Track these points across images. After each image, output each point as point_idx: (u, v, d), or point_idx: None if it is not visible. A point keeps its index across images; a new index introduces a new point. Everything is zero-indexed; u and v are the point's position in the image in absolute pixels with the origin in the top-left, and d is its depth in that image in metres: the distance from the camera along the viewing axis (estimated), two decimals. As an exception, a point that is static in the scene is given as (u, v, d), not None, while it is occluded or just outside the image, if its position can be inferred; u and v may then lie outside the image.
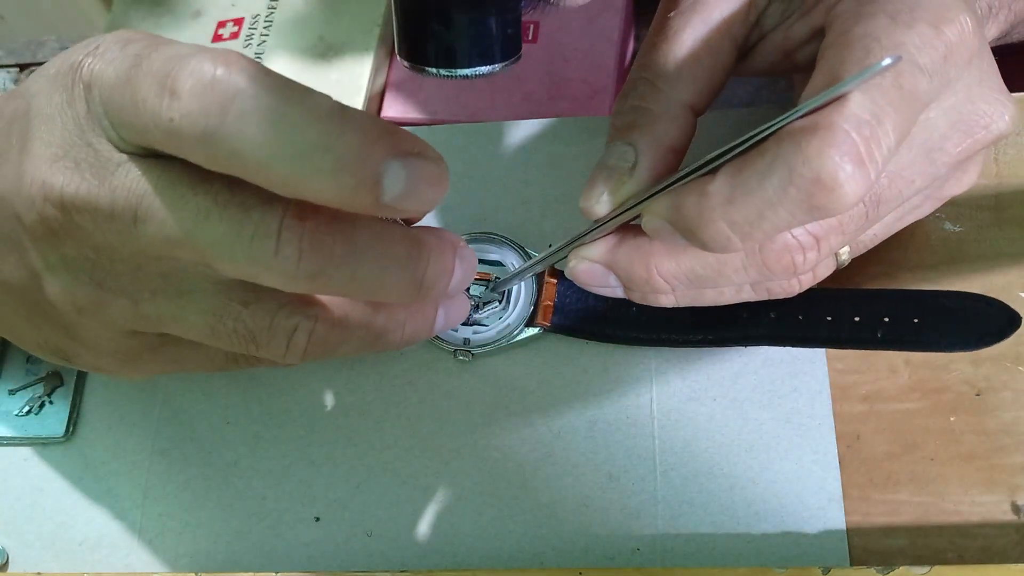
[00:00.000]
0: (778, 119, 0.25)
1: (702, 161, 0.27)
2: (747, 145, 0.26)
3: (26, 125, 0.28)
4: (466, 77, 0.30)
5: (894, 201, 0.29)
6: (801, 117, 0.25)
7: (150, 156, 0.26)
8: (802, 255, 0.29)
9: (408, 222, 0.31)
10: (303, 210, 0.25)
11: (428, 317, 0.32)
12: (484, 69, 0.30)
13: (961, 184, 0.33)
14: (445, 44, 0.29)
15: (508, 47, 0.30)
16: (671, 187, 0.28)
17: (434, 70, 0.30)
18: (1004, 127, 0.30)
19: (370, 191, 0.24)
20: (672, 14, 0.33)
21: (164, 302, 0.30)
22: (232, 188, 0.25)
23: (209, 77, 0.24)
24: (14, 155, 0.29)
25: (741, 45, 0.34)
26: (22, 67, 0.53)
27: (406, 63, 0.30)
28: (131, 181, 0.26)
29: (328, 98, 0.24)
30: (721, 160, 0.27)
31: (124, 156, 0.27)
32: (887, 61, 0.23)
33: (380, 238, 0.27)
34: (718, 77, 0.33)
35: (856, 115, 0.24)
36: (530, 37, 0.49)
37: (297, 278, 0.26)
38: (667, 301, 0.31)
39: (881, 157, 0.25)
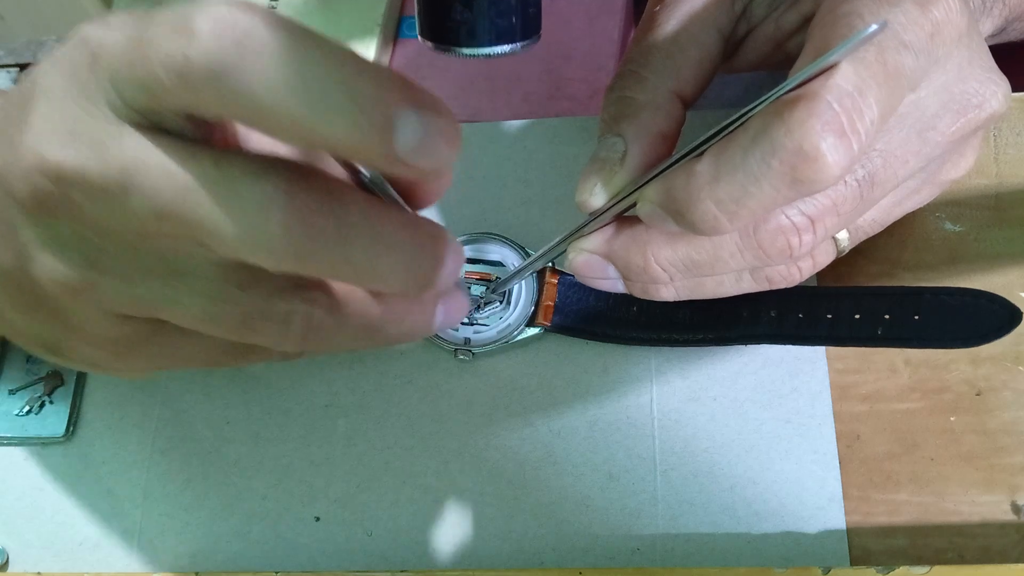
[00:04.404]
0: (766, 96, 0.25)
1: (694, 144, 0.27)
2: (737, 124, 0.26)
3: (29, 102, 0.28)
4: (488, 56, 0.30)
5: (889, 182, 0.29)
6: (788, 92, 0.25)
7: (147, 127, 0.26)
8: (797, 237, 0.28)
9: (411, 202, 0.31)
10: (293, 187, 0.25)
11: (427, 312, 0.31)
12: (505, 48, 0.30)
13: (959, 168, 0.33)
14: (467, 23, 0.29)
15: (528, 26, 0.30)
16: (663, 172, 0.28)
17: (456, 49, 0.30)
18: (997, 105, 0.30)
19: (384, 137, 0.23)
20: (658, 8, 0.33)
21: (159, 283, 0.29)
22: (220, 164, 0.25)
23: (229, 18, 0.23)
24: (12, 131, 0.28)
25: (728, 35, 0.34)
26: (22, 67, 0.53)
27: (428, 43, 0.30)
28: (124, 152, 0.26)
29: (346, 46, 0.24)
30: (712, 142, 0.27)
31: (122, 126, 0.26)
32: (873, 27, 0.23)
33: (374, 221, 0.26)
34: (705, 66, 0.33)
35: (839, 86, 0.25)
36: (530, 37, 0.49)
37: (285, 256, 0.25)
38: (667, 293, 0.31)
39: (864, 129, 0.25)
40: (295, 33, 0.24)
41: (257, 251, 0.26)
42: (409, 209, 0.29)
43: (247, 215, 0.25)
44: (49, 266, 0.29)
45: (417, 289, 0.28)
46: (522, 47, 0.30)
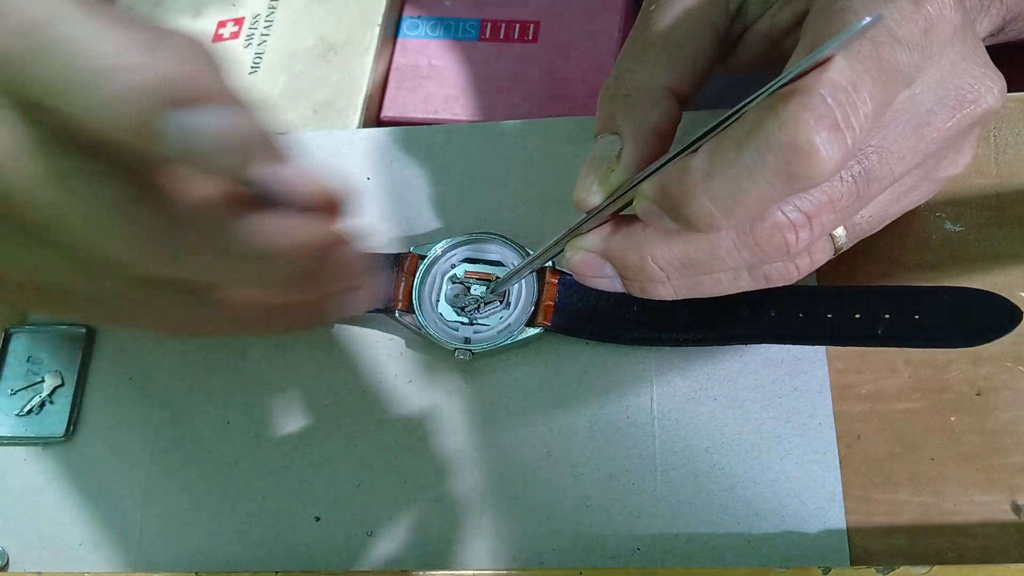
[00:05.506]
0: (761, 91, 0.25)
1: (690, 140, 0.27)
2: (732, 120, 0.26)
3: None
4: None
5: (886, 179, 0.29)
6: (782, 87, 0.25)
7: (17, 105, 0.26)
8: (794, 234, 0.28)
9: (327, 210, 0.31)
10: (140, 194, 0.26)
11: (316, 291, 0.31)
12: None
13: (957, 164, 0.33)
14: None
15: None
16: (659, 169, 0.28)
17: None
18: (993, 101, 0.30)
19: (149, 132, 0.24)
20: (653, 7, 0.33)
21: (37, 254, 0.29)
22: (72, 161, 0.25)
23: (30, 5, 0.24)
24: None
25: (724, 33, 0.34)
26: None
27: None
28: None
29: (140, 35, 0.24)
30: (708, 137, 0.27)
31: None
32: (866, 20, 0.23)
33: (230, 224, 0.27)
34: (701, 64, 0.33)
35: (833, 80, 0.25)
36: (530, 37, 0.49)
37: (133, 260, 0.26)
38: (664, 292, 0.31)
39: (858, 124, 0.25)
40: (92, 19, 0.24)
41: (105, 251, 0.26)
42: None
43: (92, 217, 0.25)
44: None
45: (290, 288, 0.29)
46: None
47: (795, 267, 0.31)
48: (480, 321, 0.37)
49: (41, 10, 0.24)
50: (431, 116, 0.48)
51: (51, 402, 0.38)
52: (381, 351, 0.38)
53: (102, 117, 0.24)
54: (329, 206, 0.31)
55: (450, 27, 0.50)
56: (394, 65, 0.50)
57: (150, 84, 0.24)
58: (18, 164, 0.26)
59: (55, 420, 0.38)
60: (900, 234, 0.36)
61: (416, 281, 0.37)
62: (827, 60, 0.25)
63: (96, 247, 0.26)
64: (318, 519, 0.35)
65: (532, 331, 0.36)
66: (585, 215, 0.31)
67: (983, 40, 0.35)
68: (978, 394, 0.34)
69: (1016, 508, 0.32)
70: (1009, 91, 0.31)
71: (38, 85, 0.24)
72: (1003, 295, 0.32)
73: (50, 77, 0.24)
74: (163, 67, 0.24)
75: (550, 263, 0.37)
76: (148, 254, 0.26)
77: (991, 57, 0.31)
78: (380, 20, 0.49)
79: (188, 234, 0.26)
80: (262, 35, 0.50)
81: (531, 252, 0.38)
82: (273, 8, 0.51)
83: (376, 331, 0.38)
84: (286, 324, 0.33)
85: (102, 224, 0.26)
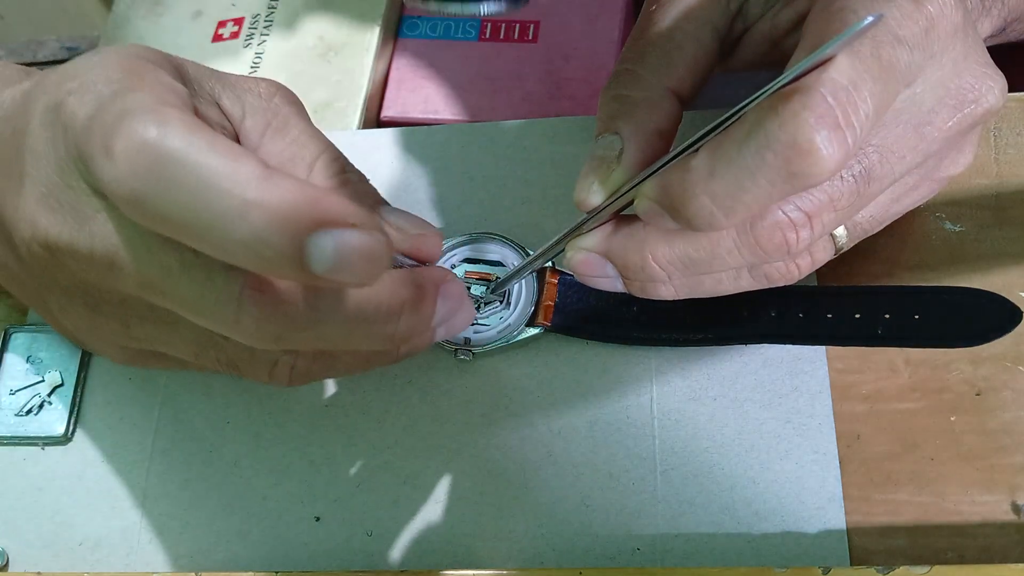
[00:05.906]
0: (762, 90, 0.25)
1: (691, 140, 0.27)
2: (733, 120, 0.26)
3: (22, 157, 0.29)
4: (474, 15, 0.30)
5: (887, 178, 0.29)
6: (783, 87, 0.25)
7: None
8: (794, 233, 0.28)
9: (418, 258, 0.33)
10: (263, 282, 0.26)
11: (424, 337, 0.32)
12: (493, 7, 0.30)
13: (957, 164, 0.33)
14: None
15: None
16: (660, 169, 0.28)
17: (445, 5, 0.30)
18: (994, 101, 0.30)
19: (294, 263, 0.23)
20: (654, 7, 0.34)
21: (152, 328, 0.31)
22: (198, 254, 0.26)
23: (140, 140, 0.24)
24: (14, 189, 0.30)
25: (724, 34, 0.34)
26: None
27: (419, 2, 0.30)
28: (107, 230, 0.27)
29: (257, 165, 0.24)
30: (709, 137, 0.27)
31: (101, 202, 0.27)
32: (868, 20, 0.23)
33: (345, 302, 0.27)
34: (701, 64, 0.33)
35: (833, 80, 0.25)
36: (530, 37, 0.49)
37: (260, 341, 0.27)
38: (665, 291, 0.31)
39: (859, 123, 0.25)
40: (203, 156, 0.24)
41: (235, 335, 0.27)
42: (414, 264, 0.32)
43: (222, 306, 0.26)
44: (56, 306, 0.33)
45: (402, 346, 0.30)
46: (508, 7, 0.30)
47: (796, 267, 0.31)
48: (480, 321, 0.37)
49: (160, 141, 0.24)
50: (431, 116, 0.48)
51: (51, 402, 0.38)
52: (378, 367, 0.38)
53: (239, 252, 0.23)
54: (428, 249, 0.33)
55: (450, 27, 0.50)
56: (394, 65, 0.50)
57: (287, 216, 0.23)
58: (126, 260, 0.27)
59: (55, 420, 0.38)
60: (900, 234, 0.36)
61: (416, 281, 0.37)
62: (828, 60, 0.25)
63: (208, 326, 0.27)
64: (318, 519, 0.35)
65: (532, 331, 0.36)
66: (586, 215, 0.31)
67: (984, 41, 0.35)
68: (978, 394, 0.34)
69: (1016, 508, 0.32)
70: (1010, 91, 0.31)
71: (166, 220, 0.24)
72: (1003, 295, 0.32)
73: (180, 216, 0.24)
74: (293, 194, 0.23)
75: (550, 263, 0.37)
76: (262, 338, 0.27)
77: (992, 57, 0.31)
78: (380, 20, 0.49)
79: (302, 318, 0.27)
80: (262, 35, 0.50)
81: (531, 252, 0.38)
82: (273, 8, 0.51)
83: (376, 331, 0.38)
84: (398, 357, 0.34)
85: (211, 312, 0.26)
